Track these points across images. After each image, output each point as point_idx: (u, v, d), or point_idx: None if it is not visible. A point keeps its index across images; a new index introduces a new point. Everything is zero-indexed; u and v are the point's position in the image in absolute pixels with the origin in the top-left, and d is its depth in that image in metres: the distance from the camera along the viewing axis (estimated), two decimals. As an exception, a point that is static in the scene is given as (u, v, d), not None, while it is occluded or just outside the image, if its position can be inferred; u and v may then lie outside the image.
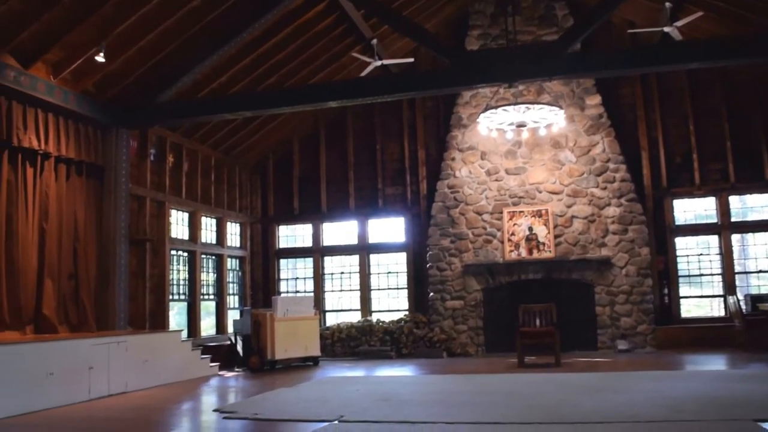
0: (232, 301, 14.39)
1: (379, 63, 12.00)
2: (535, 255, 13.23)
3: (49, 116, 9.83)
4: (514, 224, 13.39)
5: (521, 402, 7.29)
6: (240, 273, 14.79)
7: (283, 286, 15.24)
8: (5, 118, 9.13)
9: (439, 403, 7.39)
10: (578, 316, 12.99)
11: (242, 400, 8.38)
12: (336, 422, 6.49)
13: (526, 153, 13.56)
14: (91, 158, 10.57)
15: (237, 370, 11.88)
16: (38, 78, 9.45)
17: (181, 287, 12.74)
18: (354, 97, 10.50)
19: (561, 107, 11.68)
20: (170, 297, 12.28)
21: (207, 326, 13.66)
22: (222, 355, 12.27)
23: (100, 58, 9.50)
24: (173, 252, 12.52)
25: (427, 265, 13.76)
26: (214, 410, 7.49)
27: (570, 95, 13.52)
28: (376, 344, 13.46)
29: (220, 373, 11.41)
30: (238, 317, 13.04)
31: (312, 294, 14.13)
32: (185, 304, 12.89)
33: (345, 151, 15.00)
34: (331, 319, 14.75)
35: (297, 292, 14.99)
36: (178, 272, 12.69)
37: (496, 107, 11.44)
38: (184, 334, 12.28)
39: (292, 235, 15.39)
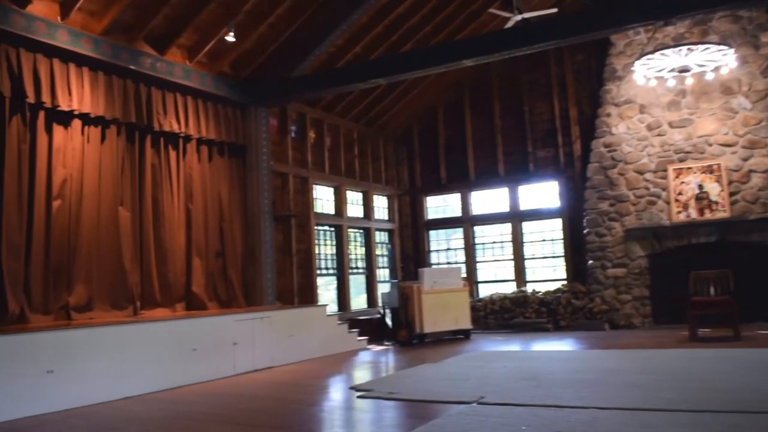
0: (383, 274, 14.23)
1: (519, 17, 11.14)
2: (707, 216, 11.89)
3: (188, 99, 10.00)
4: (681, 182, 12.09)
5: (692, 384, 6.36)
6: (389, 246, 14.58)
7: (433, 258, 14.87)
8: (145, 105, 9.36)
9: (595, 384, 6.63)
10: (760, 283, 11.54)
11: (383, 376, 8.08)
12: (474, 404, 5.98)
13: (692, 102, 12.17)
14: (232, 138, 10.68)
15: (386, 343, 11.67)
16: (174, 63, 9.60)
17: (328, 261, 12.71)
18: (492, 53, 9.72)
19: (730, 46, 10.30)
20: (318, 271, 12.28)
21: (359, 300, 13.60)
22: (372, 329, 12.12)
23: (230, 37, 9.49)
24: (319, 227, 12.50)
25: (585, 231, 12.80)
26: (351, 387, 7.23)
27: (741, 33, 11.93)
28: (532, 316, 12.76)
29: (369, 346, 11.25)
30: (386, 290, 12.82)
31: (460, 265, 13.59)
32: (334, 278, 12.87)
33: (491, 115, 14.28)
34: (484, 291, 14.19)
35: (448, 263, 14.55)
36: (325, 247, 12.66)
37: (653, 52, 10.27)
38: (333, 308, 12.31)
39: (441, 205, 14.95)
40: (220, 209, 10.49)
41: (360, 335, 11.47)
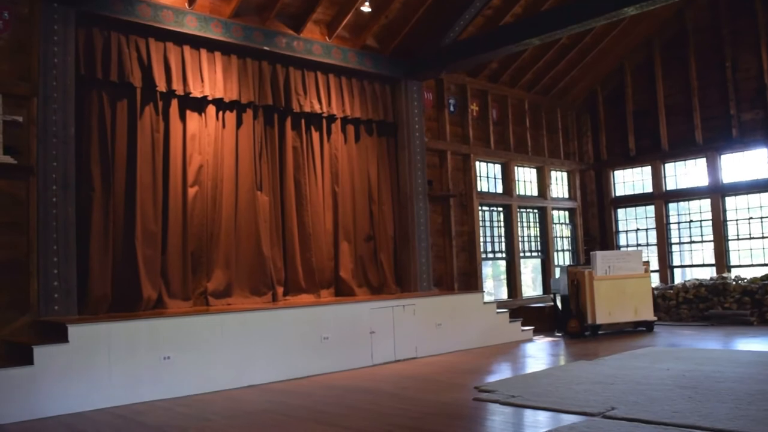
0: (563, 257, 13.04)
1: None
2: None
3: (330, 77, 9.66)
4: None
5: None
6: (571, 226, 13.32)
7: (622, 240, 13.35)
8: (283, 86, 9.15)
9: (762, 399, 5.28)
10: None
11: (519, 375, 7.16)
12: (598, 418, 4.99)
13: None
14: (380, 115, 10.19)
15: (557, 335, 10.59)
16: (312, 40, 9.28)
17: (496, 244, 11.82)
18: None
19: None
20: (483, 255, 11.47)
21: (534, 286, 12.60)
22: (544, 318, 11.10)
23: (365, 7, 8.98)
24: (484, 207, 11.66)
25: (802, 206, 10.71)
26: (476, 387, 6.45)
27: None
28: (732, 307, 10.93)
29: (535, 338, 10.25)
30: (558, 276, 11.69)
31: (645, 248, 11.93)
32: (504, 262, 11.96)
33: (686, 74, 12.41)
34: (681, 277, 12.46)
35: (638, 245, 12.98)
36: (492, 228, 11.78)
37: None
38: (502, 295, 11.49)
39: (630, 180, 13.34)
40: (369, 191, 10.06)
41: (530, 324, 10.53)
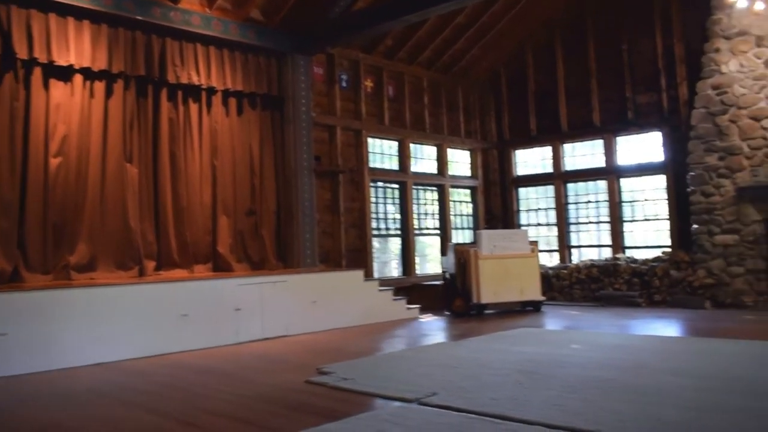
0: (462, 236, 12.98)
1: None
2: (843, 170, 9.51)
3: (211, 50, 9.35)
4: (810, 129, 9.75)
5: (747, 402, 4.64)
6: (472, 205, 13.26)
7: (523, 218, 13.36)
8: (158, 57, 8.83)
9: (598, 389, 5.10)
10: None
11: (366, 357, 7.00)
12: (412, 404, 4.86)
13: (828, 29, 9.72)
14: (265, 89, 9.92)
15: (446, 313, 10.52)
16: (190, 11, 8.95)
17: (389, 222, 11.69)
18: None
19: None
20: (376, 232, 11.33)
21: (432, 264, 12.53)
22: (437, 296, 11.02)
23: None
24: (378, 184, 11.50)
25: (689, 190, 10.77)
26: (318, 368, 6.30)
27: None
28: (622, 288, 11.03)
29: (421, 316, 10.17)
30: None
31: (526, 229, 11.89)
32: (398, 239, 11.84)
33: (585, 56, 12.39)
34: (579, 257, 12.53)
35: (538, 224, 13.02)
36: (385, 205, 11.63)
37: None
38: (396, 272, 11.38)
39: (531, 160, 13.32)
40: (252, 165, 9.81)
41: (423, 303, 10.47)
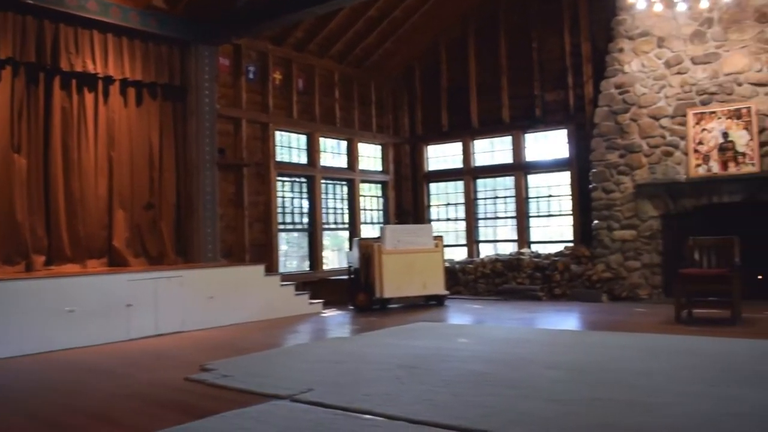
0: (373, 230, 12.99)
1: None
2: (732, 170, 9.86)
3: (109, 37, 9.04)
4: (703, 130, 10.09)
5: (595, 392, 4.80)
6: (383, 200, 13.28)
7: (433, 213, 13.47)
8: (51, 43, 8.49)
9: (468, 383, 5.17)
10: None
11: (240, 357, 6.87)
12: (284, 401, 4.81)
13: (720, 33, 10.05)
14: (167, 79, 9.67)
15: (350, 308, 10.51)
16: (87, -4, 8.64)
17: (296, 216, 11.60)
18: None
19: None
20: (282, 227, 11.24)
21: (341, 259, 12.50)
22: (343, 291, 11.00)
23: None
24: (285, 178, 11.40)
25: (591, 186, 11.03)
26: (201, 365, 6.18)
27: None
28: (525, 282, 11.23)
29: (324, 311, 10.13)
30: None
31: (430, 224, 11.98)
32: (306, 234, 11.77)
33: (497, 53, 12.54)
34: (487, 252, 12.69)
35: (447, 219, 13.15)
36: (293, 200, 11.54)
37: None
38: (304, 267, 11.29)
39: (442, 155, 13.43)
40: (151, 157, 9.56)
41: (329, 297, 10.45)
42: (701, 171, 10.08)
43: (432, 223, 13.26)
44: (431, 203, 13.53)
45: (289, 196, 11.47)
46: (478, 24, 12.77)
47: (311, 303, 10.08)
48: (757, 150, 9.68)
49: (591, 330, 7.95)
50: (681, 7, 9.19)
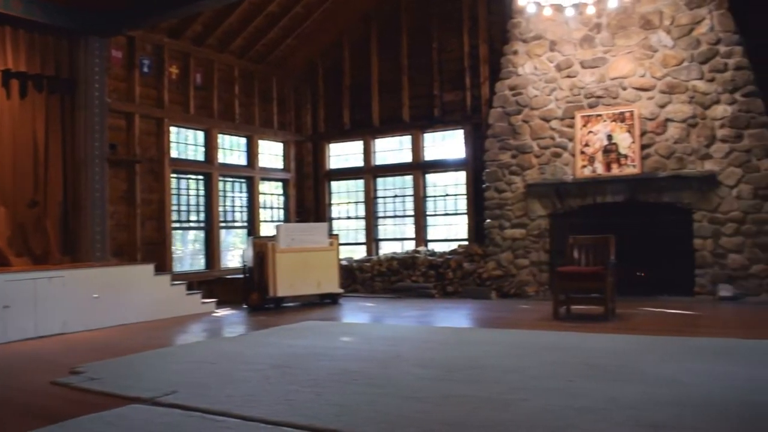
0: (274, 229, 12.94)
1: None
2: (615, 171, 10.31)
3: (-13, 25, 8.72)
4: (589, 132, 10.51)
5: (447, 390, 5.00)
6: (284, 198, 13.26)
7: (334, 212, 13.53)
8: None
9: (351, 380, 5.28)
10: (672, 250, 10.06)
11: (114, 359, 6.76)
12: (148, 404, 4.76)
13: (607, 39, 10.49)
14: (53, 71, 9.39)
15: (245, 307, 10.46)
16: (-40, -19, 8.29)
17: (192, 214, 11.46)
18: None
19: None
20: (177, 225, 11.09)
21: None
22: (239, 290, 10.92)
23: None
24: (181, 175, 11.24)
25: (484, 186, 11.32)
26: (71, 369, 6.05)
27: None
28: (419, 280, 11.43)
29: (218, 311, 10.06)
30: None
31: (325, 222, 12.00)
32: (202, 232, 11.64)
33: (399, 52, 12.69)
34: (387, 250, 12.84)
35: (348, 217, 13.24)
36: (189, 197, 11.39)
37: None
38: (199, 266, 11.14)
39: (344, 154, 13.50)
40: (36, 152, 9.25)
41: (226, 297, 10.37)
42: (587, 172, 10.49)
43: (333, 221, 13.35)
44: (333, 201, 13.58)
45: (185, 194, 11.30)
46: (381, 23, 12.88)
47: (204, 302, 9.99)
48: (639, 152, 10.15)
49: (472, 327, 8.17)
50: (569, 12, 9.51)
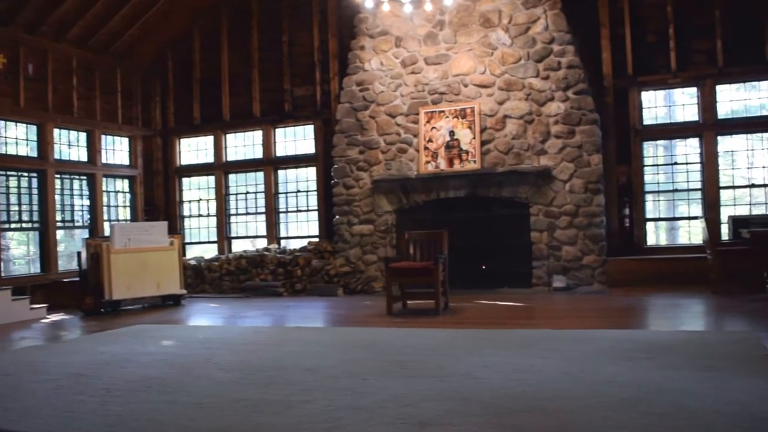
0: (112, 228, 12.44)
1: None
2: (457, 167, 10.48)
3: None
4: (433, 128, 10.62)
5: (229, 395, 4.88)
6: (131, 195, 12.74)
7: (186, 209, 13.14)
8: None
9: (146, 388, 4.99)
10: (512, 244, 10.32)
11: None
12: None
13: (450, 36, 10.63)
14: None
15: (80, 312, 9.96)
16: None
17: (24, 214, 10.80)
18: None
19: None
20: (5, 226, 10.44)
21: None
22: (76, 294, 10.38)
23: None
24: (11, 172, 10.59)
25: (332, 182, 11.26)
26: None
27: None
28: (268, 278, 11.25)
29: (50, 316, 9.52)
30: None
31: (165, 221, 11.46)
32: (36, 233, 11.00)
33: (249, 45, 12.42)
34: (240, 248, 12.57)
35: (200, 215, 12.88)
36: (20, 196, 10.73)
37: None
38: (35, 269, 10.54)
39: (195, 149, 13.12)
40: None
41: (62, 301, 9.84)
42: (430, 168, 10.60)
43: (185, 219, 12.96)
44: (184, 199, 13.17)
45: (15, 192, 10.63)
46: (232, 13, 12.56)
47: (32, 308, 9.43)
48: (479, 148, 10.34)
49: (299, 326, 8.04)
50: (408, 8, 9.55)
